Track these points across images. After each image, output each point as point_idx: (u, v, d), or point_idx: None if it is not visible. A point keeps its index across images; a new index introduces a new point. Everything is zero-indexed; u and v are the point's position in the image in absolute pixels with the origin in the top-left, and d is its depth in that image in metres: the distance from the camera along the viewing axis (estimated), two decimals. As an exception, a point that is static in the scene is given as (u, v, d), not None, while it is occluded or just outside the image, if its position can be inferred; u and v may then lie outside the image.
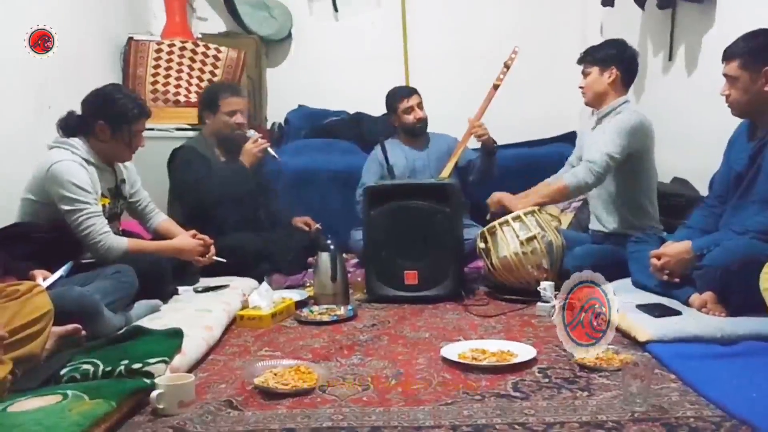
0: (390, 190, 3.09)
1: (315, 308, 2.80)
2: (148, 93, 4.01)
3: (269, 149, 3.39)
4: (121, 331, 2.23)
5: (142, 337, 2.13)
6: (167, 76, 4.09)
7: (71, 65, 3.32)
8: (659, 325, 2.24)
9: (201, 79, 4.12)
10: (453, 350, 2.15)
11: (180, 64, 4.13)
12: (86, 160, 2.64)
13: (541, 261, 2.88)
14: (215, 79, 4.12)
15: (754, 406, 1.66)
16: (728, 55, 2.45)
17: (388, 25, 4.92)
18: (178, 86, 4.09)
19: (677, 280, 2.52)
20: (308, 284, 3.14)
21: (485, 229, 3.00)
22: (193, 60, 4.16)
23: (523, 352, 2.13)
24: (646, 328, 2.23)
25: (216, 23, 4.87)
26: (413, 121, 3.79)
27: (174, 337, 2.11)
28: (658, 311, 2.36)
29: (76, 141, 2.66)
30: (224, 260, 2.98)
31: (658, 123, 3.15)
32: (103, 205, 2.70)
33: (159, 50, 4.11)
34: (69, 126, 2.69)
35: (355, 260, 3.69)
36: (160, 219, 3.04)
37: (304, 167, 4.12)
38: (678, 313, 2.36)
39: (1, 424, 1.53)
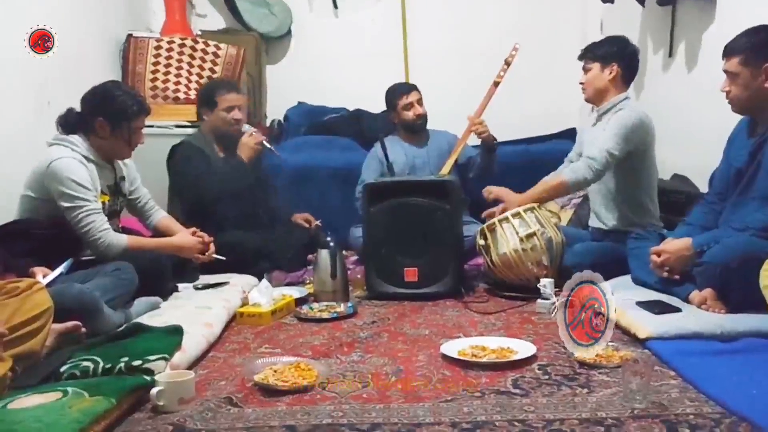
0: (390, 187, 3.09)
1: (315, 305, 2.80)
2: (148, 90, 4.01)
3: (265, 143, 3.39)
4: (121, 329, 2.23)
5: (142, 334, 2.14)
6: (167, 73, 4.09)
7: (71, 63, 3.31)
8: (659, 322, 2.24)
9: (200, 76, 4.12)
10: (453, 347, 2.15)
11: (179, 61, 4.13)
12: (86, 157, 2.64)
13: (541, 258, 2.88)
14: (215, 76, 4.11)
15: (754, 402, 1.66)
16: (729, 52, 2.44)
17: (388, 21, 4.90)
18: (177, 83, 4.08)
19: (677, 277, 2.52)
20: (308, 281, 3.14)
21: (485, 225, 3.00)
22: (192, 57, 4.15)
23: (523, 349, 2.13)
24: (646, 325, 2.23)
25: (215, 20, 4.85)
26: (413, 117, 3.77)
27: (174, 334, 2.11)
28: (658, 308, 2.36)
29: (75, 138, 2.66)
30: (224, 258, 2.98)
31: (658, 120, 3.15)
32: (103, 203, 2.70)
33: (158, 47, 4.11)
34: (68, 123, 2.69)
35: (355, 257, 3.68)
36: (160, 216, 3.04)
37: (303, 164, 4.11)
38: (678, 310, 2.36)
39: (2, 420, 1.53)
